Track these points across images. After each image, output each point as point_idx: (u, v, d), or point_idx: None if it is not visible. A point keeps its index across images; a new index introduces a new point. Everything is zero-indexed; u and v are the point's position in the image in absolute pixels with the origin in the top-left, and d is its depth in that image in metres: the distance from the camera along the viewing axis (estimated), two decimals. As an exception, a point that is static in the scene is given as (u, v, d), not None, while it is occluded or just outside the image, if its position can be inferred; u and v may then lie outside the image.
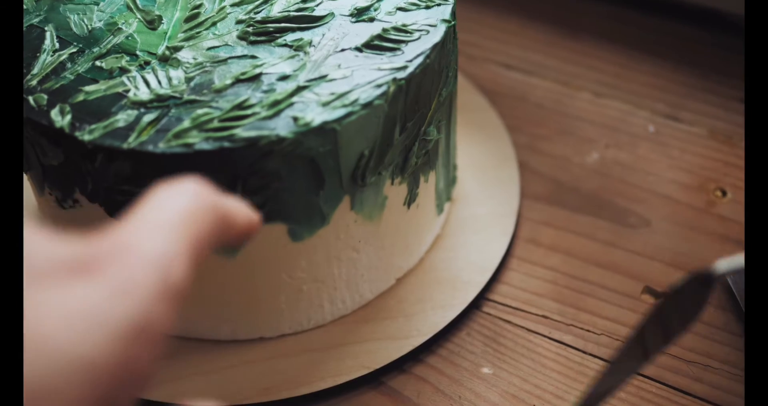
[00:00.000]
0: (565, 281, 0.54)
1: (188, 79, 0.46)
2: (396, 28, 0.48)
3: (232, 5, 0.50)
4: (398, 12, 0.49)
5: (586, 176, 0.60)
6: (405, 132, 0.47)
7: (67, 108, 0.45)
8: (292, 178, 0.45)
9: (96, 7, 0.50)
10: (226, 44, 0.48)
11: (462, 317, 0.53)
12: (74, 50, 0.48)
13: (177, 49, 0.48)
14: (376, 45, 0.47)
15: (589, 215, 0.58)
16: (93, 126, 0.44)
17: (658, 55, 0.67)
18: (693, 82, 0.65)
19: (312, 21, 0.49)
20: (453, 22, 0.49)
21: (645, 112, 0.64)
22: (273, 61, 0.47)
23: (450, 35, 0.49)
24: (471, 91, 0.65)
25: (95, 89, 0.46)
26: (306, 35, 0.48)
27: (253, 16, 0.49)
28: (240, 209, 0.33)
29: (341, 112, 0.44)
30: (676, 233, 0.56)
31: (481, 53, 0.69)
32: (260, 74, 0.46)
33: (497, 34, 0.70)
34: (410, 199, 0.51)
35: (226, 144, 0.43)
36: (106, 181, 0.45)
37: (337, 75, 0.46)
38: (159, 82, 0.46)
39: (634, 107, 0.64)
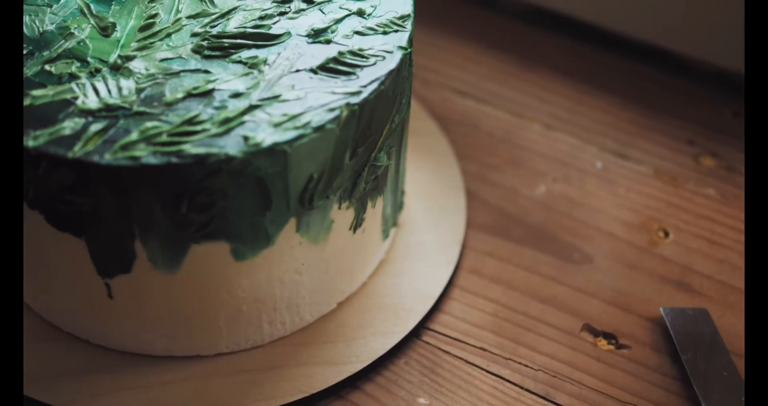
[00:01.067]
0: (505, 314, 0.54)
1: (139, 90, 0.45)
2: (352, 53, 0.47)
3: (188, 17, 0.49)
4: (355, 36, 0.49)
5: (532, 209, 0.60)
6: (355, 157, 0.47)
7: (13, 112, 0.44)
8: (238, 198, 0.44)
9: (49, 10, 0.49)
10: (180, 57, 0.47)
11: (401, 345, 0.52)
12: (24, 52, 0.47)
13: (129, 58, 0.47)
14: (331, 68, 0.47)
15: (533, 248, 0.58)
16: (38, 132, 0.43)
17: (609, 91, 0.68)
18: (642, 120, 0.66)
19: (268, 39, 0.48)
20: (409, 50, 0.49)
21: (594, 147, 0.64)
22: (226, 77, 0.46)
23: (406, 62, 0.49)
24: (423, 116, 0.65)
25: (43, 94, 0.45)
26: (261, 53, 0.47)
27: (209, 29, 0.49)
28: None
29: (292, 134, 0.44)
30: (618, 272, 0.56)
31: (436, 78, 0.69)
32: (213, 90, 0.45)
33: (453, 59, 0.70)
34: (357, 224, 0.51)
35: (174, 160, 0.42)
36: (48, 189, 0.44)
37: (290, 96, 0.45)
38: (109, 92, 0.45)
39: (584, 142, 0.64)
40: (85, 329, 0.51)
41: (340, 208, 0.49)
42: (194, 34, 0.48)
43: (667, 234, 0.59)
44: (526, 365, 0.52)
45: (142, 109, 0.45)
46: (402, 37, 0.49)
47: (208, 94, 0.45)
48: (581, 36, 0.72)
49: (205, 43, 0.48)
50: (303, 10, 0.50)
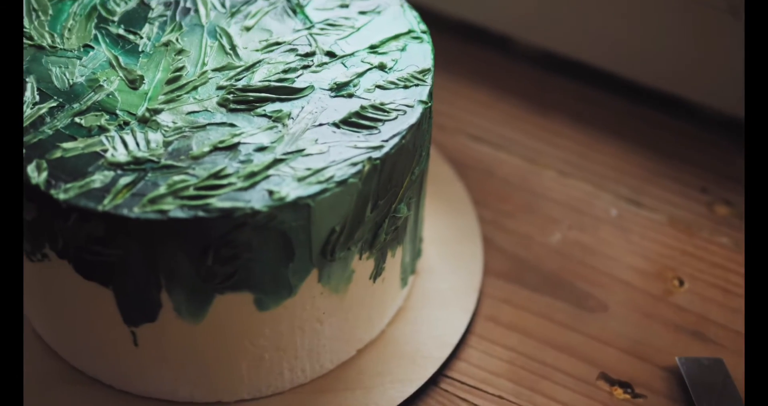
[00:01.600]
0: (521, 362, 0.55)
1: (166, 143, 0.47)
2: (374, 107, 0.49)
3: (214, 70, 0.50)
4: (377, 90, 0.50)
5: (547, 256, 0.61)
6: (376, 209, 0.48)
7: (44, 164, 0.45)
8: (262, 250, 0.45)
9: (78, 62, 0.51)
10: (206, 110, 0.48)
11: (420, 393, 0.53)
12: (54, 104, 0.48)
13: (157, 111, 0.48)
14: (353, 122, 0.48)
15: (548, 296, 0.59)
16: (69, 185, 0.44)
17: (621, 136, 0.69)
18: (654, 166, 0.67)
19: (292, 92, 0.49)
20: (429, 104, 0.50)
21: (608, 194, 0.65)
22: (251, 130, 0.47)
23: (426, 116, 0.50)
24: (439, 161, 0.66)
25: (73, 147, 0.46)
26: (285, 107, 0.49)
27: (234, 82, 0.50)
28: None
29: (316, 188, 0.45)
30: (633, 320, 0.57)
31: (451, 123, 0.70)
32: (238, 144, 0.47)
33: (468, 104, 0.72)
34: (376, 273, 0.52)
35: (201, 213, 0.43)
36: (77, 241, 0.45)
37: (313, 150, 0.46)
38: (137, 145, 0.47)
39: (598, 189, 0.65)
40: (110, 374, 0.52)
41: (360, 258, 0.50)
42: (220, 87, 0.49)
43: (681, 283, 0.59)
44: (542, 414, 0.53)
45: (169, 162, 0.46)
46: (422, 91, 0.50)
47: (233, 147, 0.46)
48: (593, 81, 0.73)
49: (230, 96, 0.49)
50: (326, 63, 0.51)
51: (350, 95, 0.49)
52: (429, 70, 0.51)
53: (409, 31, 0.53)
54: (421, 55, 0.52)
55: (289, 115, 0.48)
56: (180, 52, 0.51)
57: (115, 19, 0.53)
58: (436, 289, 0.58)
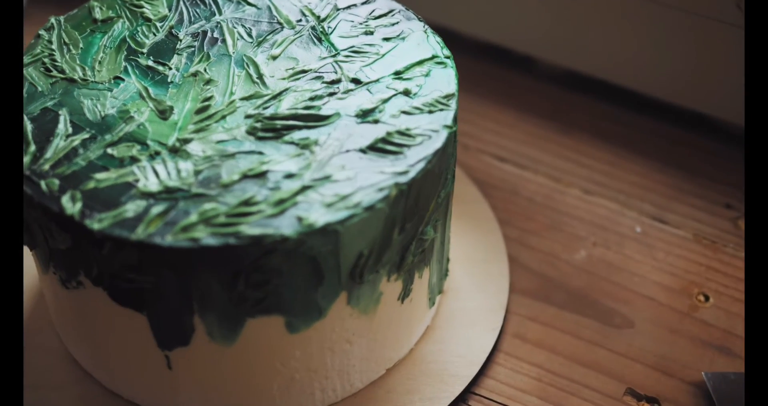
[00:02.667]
0: (549, 379, 0.56)
1: (197, 172, 0.48)
2: (400, 132, 0.50)
3: (242, 99, 0.52)
4: (402, 115, 0.51)
5: (573, 274, 0.62)
6: (404, 233, 0.49)
7: (78, 195, 0.47)
8: (292, 275, 0.46)
9: (109, 93, 0.52)
10: (235, 138, 0.50)
11: (449, 411, 0.54)
12: (87, 136, 0.50)
13: (187, 141, 0.49)
14: (379, 148, 0.49)
15: (574, 313, 0.59)
16: (102, 215, 0.46)
17: (645, 155, 0.70)
18: (679, 184, 0.67)
19: (318, 120, 0.50)
20: (454, 128, 0.51)
21: (632, 212, 0.66)
22: (279, 158, 0.48)
23: (451, 140, 0.51)
24: (465, 181, 0.67)
25: (106, 177, 0.48)
26: (312, 134, 0.50)
27: (262, 111, 0.51)
28: None
29: (344, 214, 0.46)
30: (659, 336, 0.58)
31: (476, 144, 0.71)
32: (267, 171, 0.48)
33: (493, 125, 0.73)
34: (404, 294, 0.53)
35: (232, 241, 0.44)
36: (111, 268, 0.46)
37: (341, 176, 0.47)
38: (168, 174, 0.48)
39: (622, 207, 0.66)
40: (145, 397, 0.53)
41: (389, 280, 0.51)
42: (248, 116, 0.51)
43: (707, 298, 0.60)
44: (571, 431, 0.54)
45: (200, 191, 0.47)
46: (447, 116, 0.51)
47: (262, 175, 0.48)
48: (616, 100, 0.74)
49: (258, 124, 0.50)
50: (351, 90, 0.52)
51: (376, 121, 0.50)
52: (453, 94, 0.52)
53: (433, 57, 0.54)
54: (445, 80, 0.53)
55: (316, 142, 0.49)
56: (208, 82, 0.52)
57: (144, 50, 0.54)
58: (463, 307, 0.59)
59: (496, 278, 0.61)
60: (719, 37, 0.66)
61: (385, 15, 0.56)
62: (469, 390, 0.55)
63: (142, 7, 0.57)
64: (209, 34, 0.55)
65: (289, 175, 0.48)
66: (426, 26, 0.56)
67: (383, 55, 0.54)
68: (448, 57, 0.54)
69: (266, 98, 0.52)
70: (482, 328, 0.58)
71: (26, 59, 0.53)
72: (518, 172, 0.69)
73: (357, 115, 0.51)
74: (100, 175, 0.48)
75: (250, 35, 0.55)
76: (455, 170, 0.55)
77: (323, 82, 0.52)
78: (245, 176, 0.48)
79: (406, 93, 0.52)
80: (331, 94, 0.52)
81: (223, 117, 0.51)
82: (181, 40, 0.55)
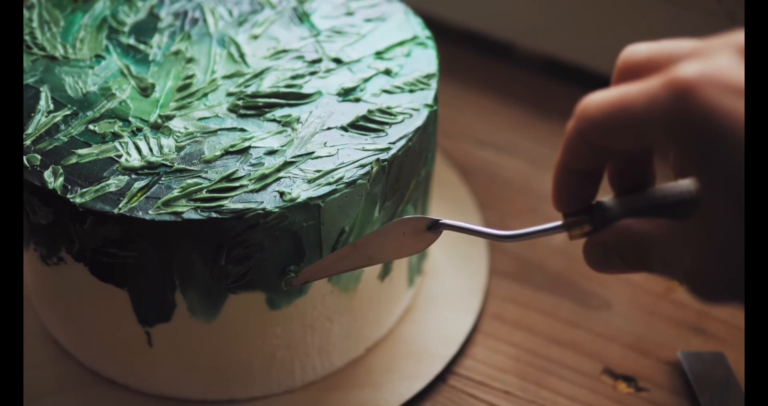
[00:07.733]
0: (527, 358, 0.56)
1: (179, 148, 0.48)
2: (381, 110, 0.50)
3: (224, 77, 0.52)
4: (383, 94, 0.51)
5: (551, 257, 0.62)
6: (384, 210, 0.49)
7: (60, 170, 0.47)
8: (274, 250, 0.46)
9: (91, 71, 0.52)
10: (217, 115, 0.50)
11: (428, 389, 0.54)
12: (68, 112, 0.50)
13: (169, 117, 0.50)
14: (361, 125, 0.49)
15: (553, 295, 0.60)
16: (84, 189, 0.46)
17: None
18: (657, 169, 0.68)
19: (300, 98, 0.51)
20: (435, 107, 0.51)
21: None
22: (261, 135, 0.49)
23: (431, 119, 0.51)
24: (444, 165, 0.67)
25: (88, 153, 0.48)
26: (294, 111, 0.50)
27: (244, 89, 0.51)
28: None
29: (326, 189, 0.46)
30: (636, 317, 0.58)
31: (456, 128, 0.71)
32: (249, 147, 0.48)
33: (473, 110, 0.73)
34: (384, 273, 0.53)
35: (214, 215, 0.45)
36: (93, 243, 0.46)
37: (322, 152, 0.48)
38: (150, 150, 0.48)
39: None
40: (125, 375, 0.53)
41: (369, 258, 0.51)
42: (229, 94, 0.51)
43: (682, 280, 0.61)
44: (548, 408, 0.54)
45: (182, 166, 0.47)
46: (428, 95, 0.51)
47: (244, 151, 0.48)
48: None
49: (240, 102, 0.50)
50: (332, 69, 0.52)
51: (357, 100, 0.51)
52: (434, 74, 0.52)
53: (414, 38, 0.54)
54: (425, 60, 0.53)
55: (297, 120, 0.49)
56: (189, 60, 0.53)
57: (126, 29, 0.54)
58: (443, 289, 0.59)
59: (475, 261, 0.61)
60: (699, 26, 0.67)
61: (366, -4, 0.57)
62: (448, 369, 0.56)
63: (123, -14, 0.57)
64: (190, 13, 0.55)
65: (271, 152, 0.48)
66: (407, 8, 0.56)
67: (364, 36, 0.54)
68: (428, 38, 0.54)
69: (248, 77, 0.52)
70: (461, 309, 0.58)
71: (7, 36, 0.53)
72: (497, 157, 0.69)
73: (338, 94, 0.51)
74: (82, 151, 0.48)
75: (231, 15, 0.55)
76: (435, 151, 0.55)
77: (305, 62, 0.53)
78: (227, 152, 0.48)
79: (387, 73, 0.52)
80: (312, 73, 0.52)
81: (205, 95, 0.51)
82: (162, 20, 0.55)
